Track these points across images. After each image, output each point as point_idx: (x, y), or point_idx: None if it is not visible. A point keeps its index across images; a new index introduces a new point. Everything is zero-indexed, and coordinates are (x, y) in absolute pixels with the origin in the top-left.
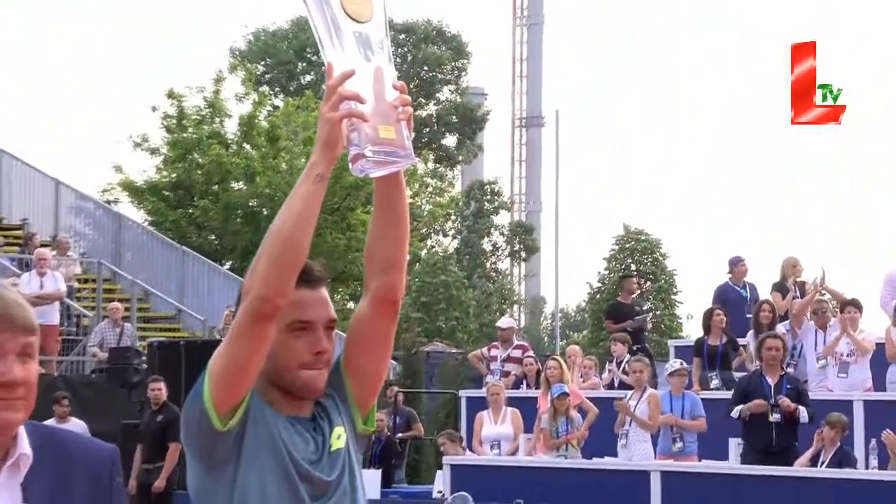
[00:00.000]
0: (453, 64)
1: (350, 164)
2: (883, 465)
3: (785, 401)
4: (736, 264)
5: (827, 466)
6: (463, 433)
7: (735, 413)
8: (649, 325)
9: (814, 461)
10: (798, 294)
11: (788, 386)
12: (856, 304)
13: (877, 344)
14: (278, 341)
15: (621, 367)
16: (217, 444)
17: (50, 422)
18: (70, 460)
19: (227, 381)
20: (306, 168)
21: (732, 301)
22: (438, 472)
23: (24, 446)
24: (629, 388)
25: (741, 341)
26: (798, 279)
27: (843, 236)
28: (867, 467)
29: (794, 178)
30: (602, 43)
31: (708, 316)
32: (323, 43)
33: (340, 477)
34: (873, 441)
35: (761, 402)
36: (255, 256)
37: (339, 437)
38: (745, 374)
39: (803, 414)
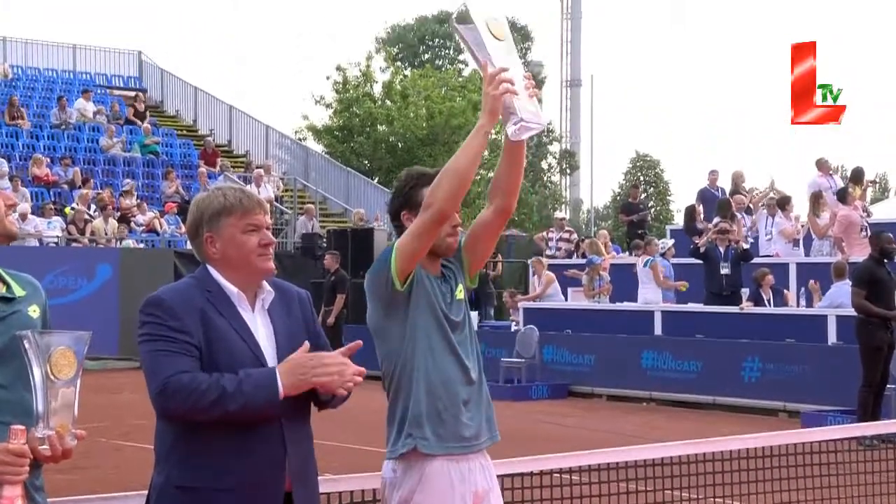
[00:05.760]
0: (521, 45)
1: (508, 127)
2: (808, 304)
3: None
4: (712, 174)
5: (769, 303)
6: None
7: (702, 248)
8: (650, 218)
9: (757, 301)
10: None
11: (732, 251)
12: (790, 199)
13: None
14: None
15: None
16: (395, 298)
17: None
18: (287, 293)
19: (409, 259)
20: (476, 129)
21: (709, 199)
22: (514, 312)
23: (268, 287)
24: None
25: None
26: (743, 185)
27: None
28: (798, 306)
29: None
30: (623, 30)
31: (691, 209)
32: (476, 52)
33: (463, 318)
34: (803, 288)
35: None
36: (435, 185)
37: (461, 291)
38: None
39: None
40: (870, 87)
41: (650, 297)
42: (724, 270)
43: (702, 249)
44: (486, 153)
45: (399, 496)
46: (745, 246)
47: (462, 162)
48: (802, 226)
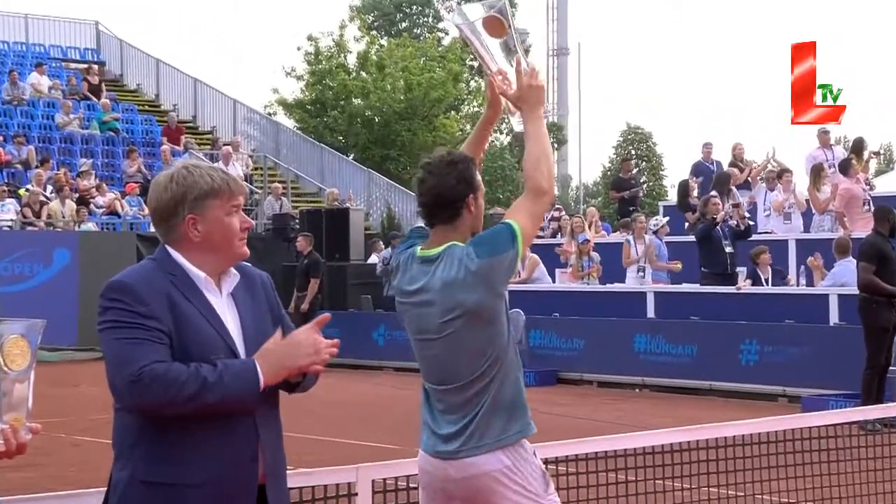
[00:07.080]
0: None
1: (515, 118)
2: (809, 283)
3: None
4: (706, 147)
5: (767, 283)
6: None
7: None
8: (642, 194)
9: (755, 281)
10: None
11: (727, 228)
12: (790, 170)
13: (806, 200)
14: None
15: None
16: (508, 279)
17: None
18: (250, 276)
19: (528, 244)
20: (535, 117)
21: (704, 172)
22: None
23: (233, 271)
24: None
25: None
26: (742, 157)
27: None
28: (798, 285)
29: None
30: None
31: (685, 184)
32: (500, 53)
33: None
34: (803, 266)
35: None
36: (540, 174)
37: None
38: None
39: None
40: (870, 87)
41: (628, 280)
42: (729, 249)
43: (731, 223)
44: (468, 127)
45: (536, 467)
46: (751, 222)
47: (547, 146)
48: (798, 200)
